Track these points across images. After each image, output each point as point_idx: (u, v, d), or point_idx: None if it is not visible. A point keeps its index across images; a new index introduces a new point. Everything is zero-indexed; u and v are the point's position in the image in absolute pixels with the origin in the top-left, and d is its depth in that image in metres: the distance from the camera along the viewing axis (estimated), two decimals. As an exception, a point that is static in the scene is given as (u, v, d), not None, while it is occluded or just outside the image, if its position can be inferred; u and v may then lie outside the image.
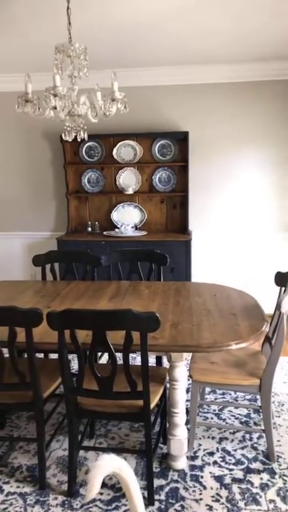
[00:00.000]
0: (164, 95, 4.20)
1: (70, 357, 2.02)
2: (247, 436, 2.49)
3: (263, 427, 2.34)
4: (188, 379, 2.35)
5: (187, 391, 2.63)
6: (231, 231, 4.38)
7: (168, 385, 2.21)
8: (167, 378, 2.21)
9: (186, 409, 2.34)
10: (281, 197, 4.25)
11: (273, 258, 4.33)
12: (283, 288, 2.50)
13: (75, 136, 2.45)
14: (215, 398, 2.90)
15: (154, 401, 2.04)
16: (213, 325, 2.15)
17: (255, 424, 2.62)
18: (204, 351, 1.96)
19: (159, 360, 2.89)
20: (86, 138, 2.46)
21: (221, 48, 3.49)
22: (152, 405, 2.01)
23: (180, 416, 2.19)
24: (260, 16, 2.80)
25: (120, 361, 1.91)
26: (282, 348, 2.18)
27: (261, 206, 4.30)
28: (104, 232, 4.27)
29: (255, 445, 2.41)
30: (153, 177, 4.30)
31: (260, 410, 2.59)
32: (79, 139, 2.46)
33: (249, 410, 2.75)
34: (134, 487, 1.13)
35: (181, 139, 4.14)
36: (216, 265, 4.41)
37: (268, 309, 2.50)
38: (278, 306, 2.27)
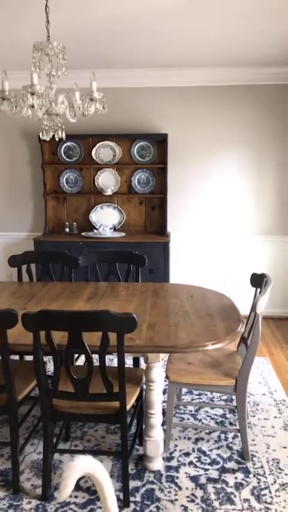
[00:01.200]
0: (144, 97, 4.21)
1: (46, 358, 1.99)
2: (222, 436, 2.51)
3: (238, 427, 2.36)
4: (165, 380, 2.35)
5: (164, 392, 2.63)
6: (209, 233, 4.42)
7: (144, 386, 2.21)
8: (144, 379, 2.21)
9: (163, 410, 2.34)
10: (257, 200, 4.33)
11: (249, 260, 4.40)
12: (258, 289, 2.54)
13: (54, 136, 2.42)
14: (192, 399, 2.92)
15: (130, 402, 2.03)
16: (190, 325, 2.17)
17: (230, 424, 2.64)
18: (181, 351, 1.96)
19: (136, 361, 2.88)
20: (64, 138, 2.45)
21: (202, 51, 3.53)
22: (128, 406, 2.01)
23: (156, 418, 2.19)
24: (242, 20, 2.85)
25: (96, 363, 1.90)
26: (257, 349, 2.22)
27: (239, 208, 4.36)
28: (82, 233, 4.24)
29: (230, 444, 2.44)
30: (132, 178, 4.31)
31: (236, 410, 2.62)
32: (57, 139, 2.44)
33: (225, 411, 2.78)
34: (108, 488, 1.12)
35: (160, 141, 4.17)
36: (194, 267, 4.45)
37: (244, 309, 2.54)
38: (254, 307, 2.30)
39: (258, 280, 2.53)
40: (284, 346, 3.79)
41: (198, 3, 2.53)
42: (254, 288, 2.60)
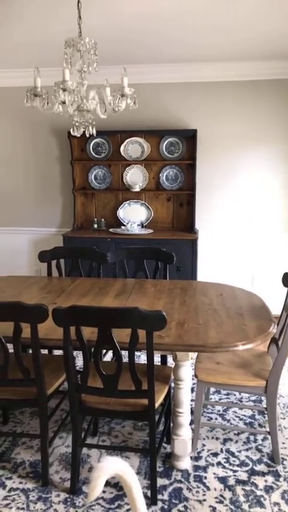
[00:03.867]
0: (172, 92, 4.17)
1: (75, 353, 2.01)
2: (251, 437, 2.47)
3: (268, 429, 2.31)
4: (193, 379, 2.33)
5: (192, 390, 2.61)
6: (238, 230, 4.34)
7: (173, 384, 2.19)
8: (172, 377, 2.19)
9: (191, 409, 2.32)
10: (282, 196, 4.21)
11: (280, 258, 4.29)
12: (291, 289, 2.47)
13: (83, 132, 2.43)
14: (220, 399, 2.88)
15: (159, 400, 2.02)
16: (219, 324, 2.13)
17: (259, 425, 2.59)
18: (211, 351, 1.93)
19: (164, 359, 2.87)
20: (95, 134, 2.44)
21: (229, 46, 3.45)
22: (157, 404, 1.99)
23: (184, 416, 2.17)
24: (268, 15, 2.76)
25: (125, 359, 1.89)
26: (289, 350, 2.16)
27: (269, 205, 4.26)
28: (110, 230, 4.25)
29: (259, 446, 2.39)
30: (160, 174, 4.28)
31: (265, 412, 2.57)
32: (87, 135, 2.43)
33: (254, 412, 2.73)
34: (137, 490, 1.12)
35: (189, 137, 4.11)
36: (223, 265, 4.38)
37: (275, 309, 2.48)
38: (286, 308, 2.24)
39: (290, 279, 2.46)
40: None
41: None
42: (287, 288, 2.52)
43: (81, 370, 1.99)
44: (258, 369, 2.32)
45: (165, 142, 4.20)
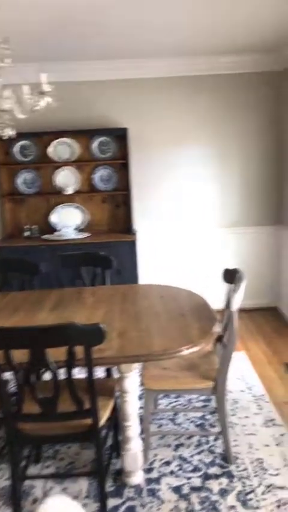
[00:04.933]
0: (100, 90, 4.03)
1: (8, 374, 1.81)
2: (203, 439, 2.41)
3: (219, 430, 2.27)
4: (140, 385, 2.23)
5: (140, 397, 2.50)
6: (177, 227, 4.32)
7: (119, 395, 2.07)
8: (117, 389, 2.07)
9: (140, 417, 2.22)
10: (223, 192, 4.26)
11: (219, 253, 4.33)
12: (232, 285, 2.45)
13: (3, 134, 2.22)
14: (169, 402, 2.80)
15: (104, 417, 1.89)
16: (162, 329, 2.04)
17: (210, 425, 2.55)
18: (155, 359, 1.83)
19: (108, 369, 2.74)
20: (14, 136, 2.25)
21: (156, 42, 3.39)
22: (102, 422, 1.86)
23: (133, 429, 2.06)
24: (201, 8, 2.72)
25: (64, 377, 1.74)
26: (234, 348, 2.12)
27: (205, 201, 4.28)
28: (43, 236, 4.02)
29: (212, 448, 2.34)
30: (93, 175, 4.13)
31: (216, 411, 2.53)
32: (6, 138, 2.23)
33: (205, 412, 2.69)
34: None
35: (120, 136, 4.00)
36: (164, 264, 4.34)
37: (218, 304, 2.45)
38: (228, 304, 2.21)
39: (230, 276, 2.43)
40: (259, 339, 3.75)
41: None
42: (227, 284, 2.50)
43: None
44: (205, 370, 2.27)
45: (96, 142, 4.06)
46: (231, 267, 4.00)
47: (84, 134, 4.00)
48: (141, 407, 2.37)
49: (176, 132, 4.13)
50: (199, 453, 2.31)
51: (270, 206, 4.28)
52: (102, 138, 4.05)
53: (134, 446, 2.07)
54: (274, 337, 3.75)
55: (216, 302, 3.40)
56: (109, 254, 2.88)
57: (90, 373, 1.71)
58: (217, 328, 2.08)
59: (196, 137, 4.14)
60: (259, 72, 4.01)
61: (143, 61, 3.88)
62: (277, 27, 3.15)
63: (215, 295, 3.64)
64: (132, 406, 2.04)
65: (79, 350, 1.67)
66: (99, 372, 2.79)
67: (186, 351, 1.85)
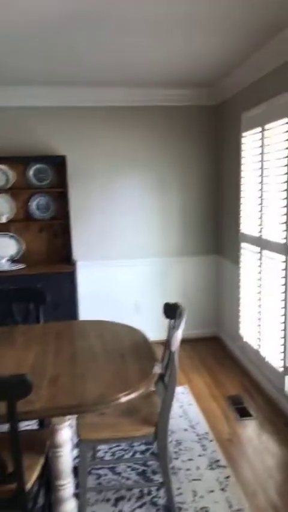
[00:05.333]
0: (37, 117, 3.90)
1: None
2: (145, 489, 2.24)
3: (161, 479, 2.11)
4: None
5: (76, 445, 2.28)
6: (118, 256, 4.21)
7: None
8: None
9: (74, 467, 2.00)
10: (163, 222, 4.24)
11: (160, 282, 4.27)
12: (172, 321, 2.36)
13: None
14: (109, 448, 2.60)
15: (32, 479, 1.67)
16: (99, 373, 1.88)
17: (153, 472, 2.38)
18: (89, 410, 1.66)
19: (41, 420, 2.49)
20: None
21: (96, 70, 3.35)
22: (29, 485, 1.64)
23: (67, 488, 1.84)
24: (139, 43, 2.72)
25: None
26: (175, 389, 2.01)
27: (147, 229, 4.23)
28: (-26, 268, 3.72)
29: (154, 499, 2.17)
30: (29, 203, 3.93)
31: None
32: None
33: (146, 456, 2.52)
34: None
35: (59, 164, 3.87)
36: (105, 296, 4.18)
37: (160, 335, 2.34)
38: (168, 344, 2.10)
39: (171, 311, 2.34)
40: (202, 371, 3.68)
41: (88, 16, 2.34)
42: (168, 319, 2.41)
43: None
44: (146, 414, 2.12)
45: (33, 169, 3.88)
46: (173, 297, 3.96)
47: (19, 161, 3.82)
48: (77, 457, 2.16)
49: (114, 161, 4.08)
50: (140, 506, 2.13)
51: (209, 236, 4.33)
52: (39, 165, 3.89)
53: (69, 507, 1.85)
54: (217, 368, 3.71)
55: (159, 333, 3.31)
56: (46, 287, 2.70)
57: (14, 431, 1.49)
58: (157, 370, 1.96)
59: (135, 167, 4.11)
60: (195, 106, 4.11)
61: (82, 89, 3.83)
62: (210, 63, 3.24)
63: (157, 326, 3.57)
64: (66, 462, 1.83)
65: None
66: (31, 424, 2.55)
67: (124, 398, 1.70)
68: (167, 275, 4.28)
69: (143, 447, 2.61)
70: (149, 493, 2.21)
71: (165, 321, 2.47)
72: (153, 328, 3.65)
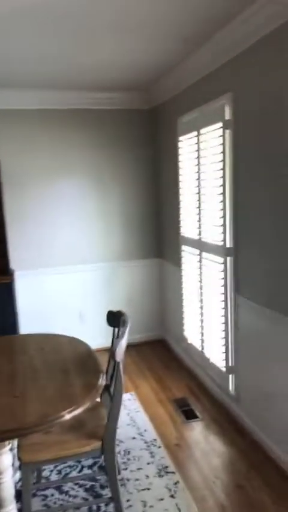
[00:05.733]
0: None
1: None
2: (94, 506, 2.17)
3: (110, 494, 2.06)
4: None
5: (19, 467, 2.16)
6: (59, 264, 4.08)
7: (-11, 481, 1.72)
8: (-12, 471, 1.73)
9: (18, 491, 1.89)
10: (105, 227, 4.19)
11: (104, 289, 4.21)
12: (116, 329, 2.32)
13: None
14: (55, 466, 2.49)
15: None
16: (41, 391, 1.79)
17: (101, 487, 2.31)
18: (31, 432, 1.57)
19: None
20: None
21: (36, 71, 3.21)
22: None
23: (9, 517, 1.73)
24: (68, 44, 2.64)
25: None
26: (121, 400, 1.96)
27: (86, 235, 4.14)
28: None
29: (104, 515, 2.11)
30: None
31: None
32: None
33: (94, 469, 2.45)
34: None
35: (-8, 168, 3.67)
36: (47, 306, 4.03)
37: (104, 342, 2.27)
38: (112, 354, 2.05)
39: (114, 319, 2.30)
40: (148, 375, 3.67)
41: (28, 16, 2.22)
42: (112, 327, 2.36)
43: None
44: (92, 427, 2.06)
45: None
46: (117, 302, 3.93)
47: None
48: (20, 480, 2.04)
49: (52, 166, 3.95)
50: (90, 524, 2.05)
51: (151, 240, 4.34)
52: None
53: (12, 536, 1.73)
54: (163, 371, 3.72)
55: (103, 341, 3.24)
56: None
57: None
58: (102, 382, 1.90)
59: (73, 171, 4.02)
60: (131, 109, 4.09)
61: (15, 91, 3.67)
62: (143, 68, 3.24)
63: (102, 334, 3.50)
64: (7, 489, 1.72)
65: None
66: None
67: (68, 415, 1.63)
68: (110, 280, 4.23)
69: (90, 461, 2.53)
70: (98, 509, 2.14)
71: (109, 329, 2.42)
72: (100, 335, 3.60)
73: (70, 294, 4.12)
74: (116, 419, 1.95)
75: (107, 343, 3.50)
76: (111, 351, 2.16)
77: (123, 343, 1.95)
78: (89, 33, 2.46)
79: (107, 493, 2.24)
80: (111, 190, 4.15)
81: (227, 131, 2.69)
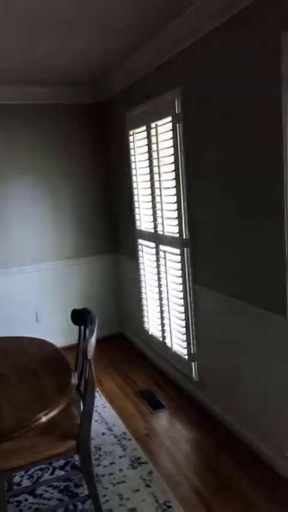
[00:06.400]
0: None
1: None
2: (71, 506, 2.15)
3: (86, 491, 2.05)
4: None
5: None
6: (12, 265, 3.94)
7: None
8: None
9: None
10: (58, 222, 4.10)
11: (60, 287, 4.13)
12: (82, 327, 2.30)
13: None
14: (25, 471, 2.43)
15: None
16: (12, 396, 1.74)
17: (76, 485, 2.30)
18: (9, 438, 1.52)
19: None
20: None
21: None
22: None
23: (-14, 529, 1.67)
24: (10, 36, 2.53)
25: None
26: (94, 399, 1.96)
27: (41, 233, 4.04)
28: None
29: (82, 513, 2.10)
30: None
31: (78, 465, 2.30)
32: None
33: (67, 469, 2.43)
34: None
35: None
36: (3, 308, 3.88)
37: (66, 340, 2.24)
38: (83, 352, 2.03)
39: (80, 317, 2.28)
40: (112, 371, 3.67)
41: None
42: (77, 326, 2.34)
43: None
44: (65, 428, 2.03)
45: None
46: (74, 299, 3.88)
47: None
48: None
49: (7, 164, 3.80)
50: (68, 524, 2.04)
51: (107, 235, 4.32)
52: None
53: None
54: (126, 365, 3.74)
55: (65, 339, 3.19)
56: None
57: None
58: (75, 380, 1.88)
59: (24, 169, 3.88)
60: (79, 104, 4.01)
61: None
62: (90, 62, 3.20)
63: (62, 331, 3.46)
64: (-17, 500, 1.65)
65: None
66: None
67: (44, 418, 1.61)
68: (65, 278, 4.16)
69: (62, 461, 2.50)
70: (75, 509, 2.13)
71: (71, 326, 2.39)
72: (58, 335, 3.54)
73: (25, 294, 4.00)
74: (91, 416, 1.94)
75: (66, 342, 3.48)
76: (77, 348, 2.14)
77: (93, 340, 1.94)
78: (27, 28, 2.38)
79: (82, 491, 2.23)
80: (64, 187, 4.06)
81: (178, 125, 2.74)
